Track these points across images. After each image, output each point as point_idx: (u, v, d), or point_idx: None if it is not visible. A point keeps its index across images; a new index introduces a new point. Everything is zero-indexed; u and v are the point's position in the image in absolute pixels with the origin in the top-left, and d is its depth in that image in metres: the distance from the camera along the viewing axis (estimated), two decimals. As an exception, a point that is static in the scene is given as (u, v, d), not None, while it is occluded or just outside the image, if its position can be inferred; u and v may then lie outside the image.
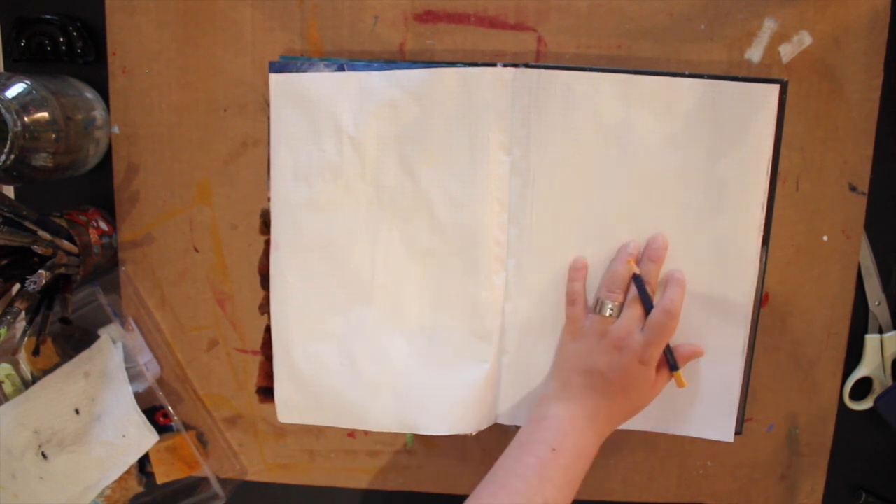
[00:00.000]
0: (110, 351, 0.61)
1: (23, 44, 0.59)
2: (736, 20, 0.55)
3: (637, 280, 0.54)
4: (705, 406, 0.58)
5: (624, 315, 0.53)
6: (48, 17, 0.59)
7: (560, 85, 0.54)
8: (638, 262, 0.55)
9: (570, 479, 0.50)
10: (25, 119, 0.50)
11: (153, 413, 0.62)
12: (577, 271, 0.56)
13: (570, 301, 0.56)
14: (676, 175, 0.55)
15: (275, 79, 0.57)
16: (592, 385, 0.53)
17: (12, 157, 0.50)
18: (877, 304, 0.59)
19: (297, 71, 0.57)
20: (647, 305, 0.53)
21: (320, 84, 0.56)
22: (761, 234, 0.55)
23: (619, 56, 0.56)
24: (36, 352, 0.56)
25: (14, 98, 0.51)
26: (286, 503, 0.66)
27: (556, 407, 0.53)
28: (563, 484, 0.49)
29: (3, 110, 0.50)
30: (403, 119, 0.56)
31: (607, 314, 0.54)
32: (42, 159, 0.53)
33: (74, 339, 0.63)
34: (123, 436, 0.61)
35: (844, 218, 0.57)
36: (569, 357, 0.55)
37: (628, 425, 0.56)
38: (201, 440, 0.64)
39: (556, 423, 0.52)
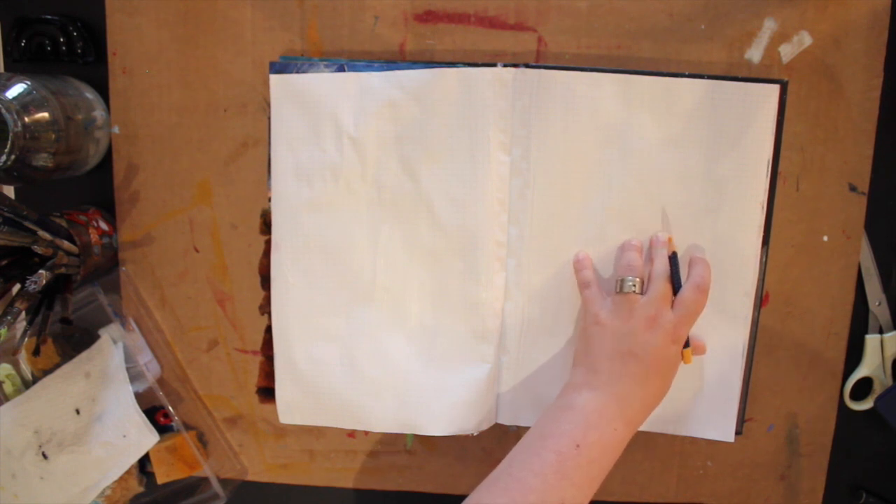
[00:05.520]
0: (110, 351, 0.61)
1: (23, 44, 0.59)
2: (736, 20, 0.55)
3: (673, 258, 0.52)
4: (705, 406, 0.58)
5: (651, 292, 0.51)
6: (48, 17, 0.59)
7: (560, 85, 0.54)
8: (650, 254, 0.55)
9: (592, 477, 0.46)
10: (26, 119, 0.50)
11: (153, 413, 0.62)
12: (581, 261, 0.56)
13: (584, 285, 0.55)
14: (676, 175, 0.55)
15: (275, 79, 0.57)
16: (626, 369, 0.49)
17: (12, 157, 0.50)
18: (877, 304, 0.59)
19: (298, 71, 0.57)
20: (677, 285, 0.52)
21: (320, 84, 0.56)
22: (761, 233, 0.55)
23: (619, 56, 0.56)
24: (36, 352, 0.56)
25: (14, 98, 0.51)
26: (286, 503, 0.66)
27: (583, 396, 0.49)
28: (584, 482, 0.45)
29: (4, 110, 0.50)
30: (404, 119, 0.56)
31: (630, 291, 0.51)
32: (42, 159, 0.53)
33: (74, 339, 0.63)
34: (124, 436, 0.61)
35: (844, 218, 0.57)
36: (593, 341, 0.51)
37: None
38: (201, 440, 0.64)
39: (583, 415, 0.48)
